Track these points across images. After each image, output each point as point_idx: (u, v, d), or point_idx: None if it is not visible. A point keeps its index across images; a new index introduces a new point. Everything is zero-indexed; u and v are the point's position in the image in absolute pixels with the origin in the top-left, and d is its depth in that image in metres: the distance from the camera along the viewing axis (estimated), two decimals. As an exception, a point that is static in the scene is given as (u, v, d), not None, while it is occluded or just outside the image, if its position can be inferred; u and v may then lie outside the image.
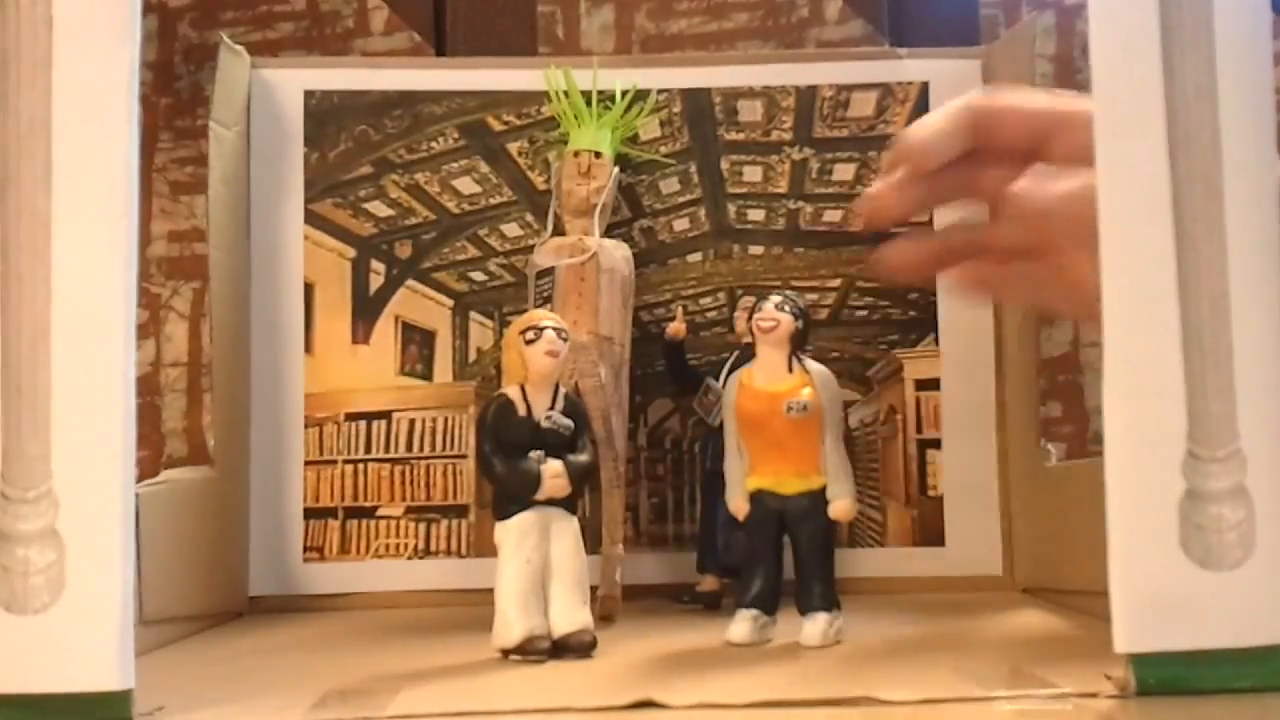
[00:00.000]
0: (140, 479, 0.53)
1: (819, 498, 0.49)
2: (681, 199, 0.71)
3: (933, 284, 0.69)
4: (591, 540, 0.52)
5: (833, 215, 0.71)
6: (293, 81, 0.71)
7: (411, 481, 0.69)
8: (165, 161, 0.82)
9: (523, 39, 0.83)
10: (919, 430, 0.69)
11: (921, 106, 0.71)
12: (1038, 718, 0.35)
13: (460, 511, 0.69)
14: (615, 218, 0.69)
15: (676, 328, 0.67)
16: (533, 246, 0.67)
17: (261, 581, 0.67)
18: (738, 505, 0.50)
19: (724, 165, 0.71)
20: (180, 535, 0.57)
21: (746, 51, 0.81)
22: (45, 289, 0.35)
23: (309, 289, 0.70)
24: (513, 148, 0.71)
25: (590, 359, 0.62)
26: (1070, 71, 0.82)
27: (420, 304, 0.71)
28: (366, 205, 0.71)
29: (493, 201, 0.71)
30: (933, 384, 0.70)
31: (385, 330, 0.70)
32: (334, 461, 0.69)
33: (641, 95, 0.69)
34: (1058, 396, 0.80)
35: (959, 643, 0.51)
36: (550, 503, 0.48)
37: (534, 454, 0.48)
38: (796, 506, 0.49)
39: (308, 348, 0.70)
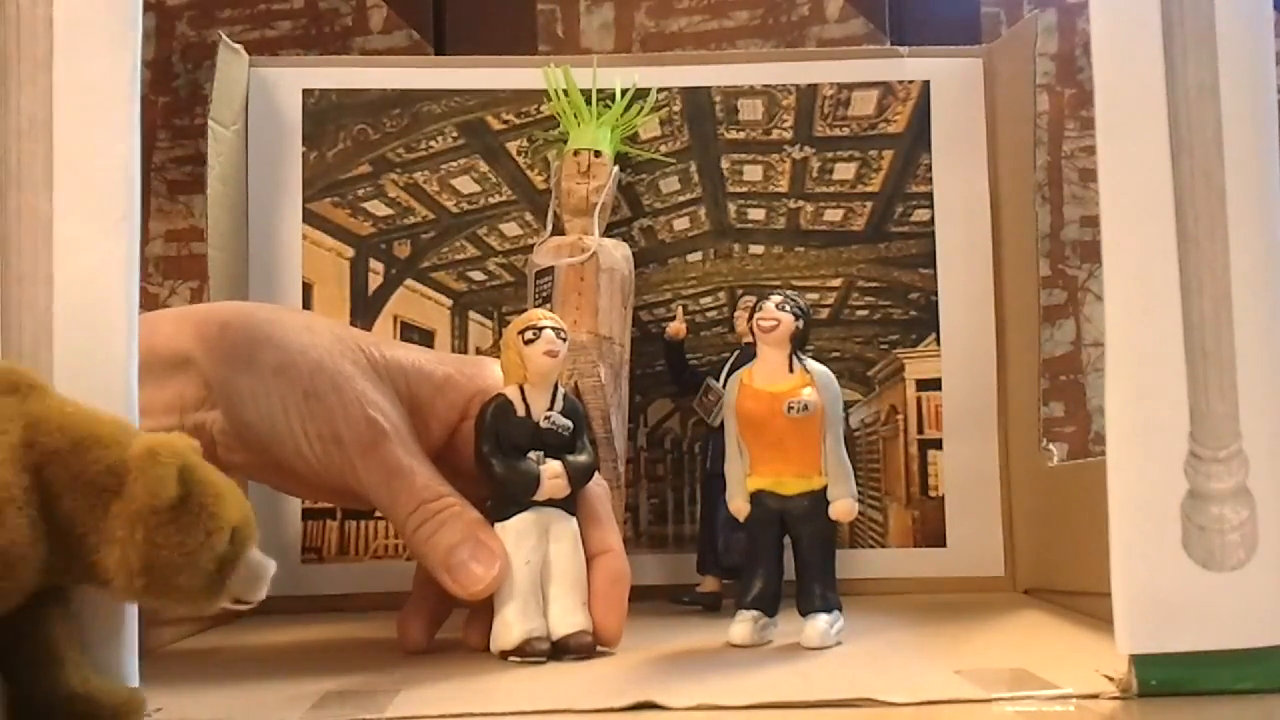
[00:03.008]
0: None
1: (820, 498, 0.49)
2: (681, 198, 0.71)
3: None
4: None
5: (833, 215, 0.71)
6: (291, 80, 0.71)
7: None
8: (163, 160, 0.82)
9: (522, 37, 0.83)
10: (920, 430, 0.69)
11: (923, 105, 0.71)
12: (1039, 719, 0.35)
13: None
14: (615, 217, 0.68)
15: (676, 328, 0.66)
16: (532, 246, 0.67)
17: (260, 582, 0.67)
18: (738, 506, 0.50)
19: (724, 164, 0.71)
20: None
21: (747, 50, 0.81)
22: (47, 290, 0.35)
23: (307, 288, 0.70)
24: (512, 147, 0.71)
25: (590, 359, 0.62)
26: (1072, 70, 0.82)
27: (419, 304, 0.71)
28: (365, 204, 0.71)
29: (492, 201, 0.71)
30: (934, 384, 0.70)
31: (384, 330, 0.70)
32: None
33: (641, 94, 0.69)
34: (1060, 396, 0.80)
35: (960, 644, 0.51)
36: (549, 504, 0.48)
37: (533, 454, 0.48)
38: (797, 507, 0.49)
39: (307, 347, 0.69)
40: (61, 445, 0.30)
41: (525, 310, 0.55)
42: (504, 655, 0.47)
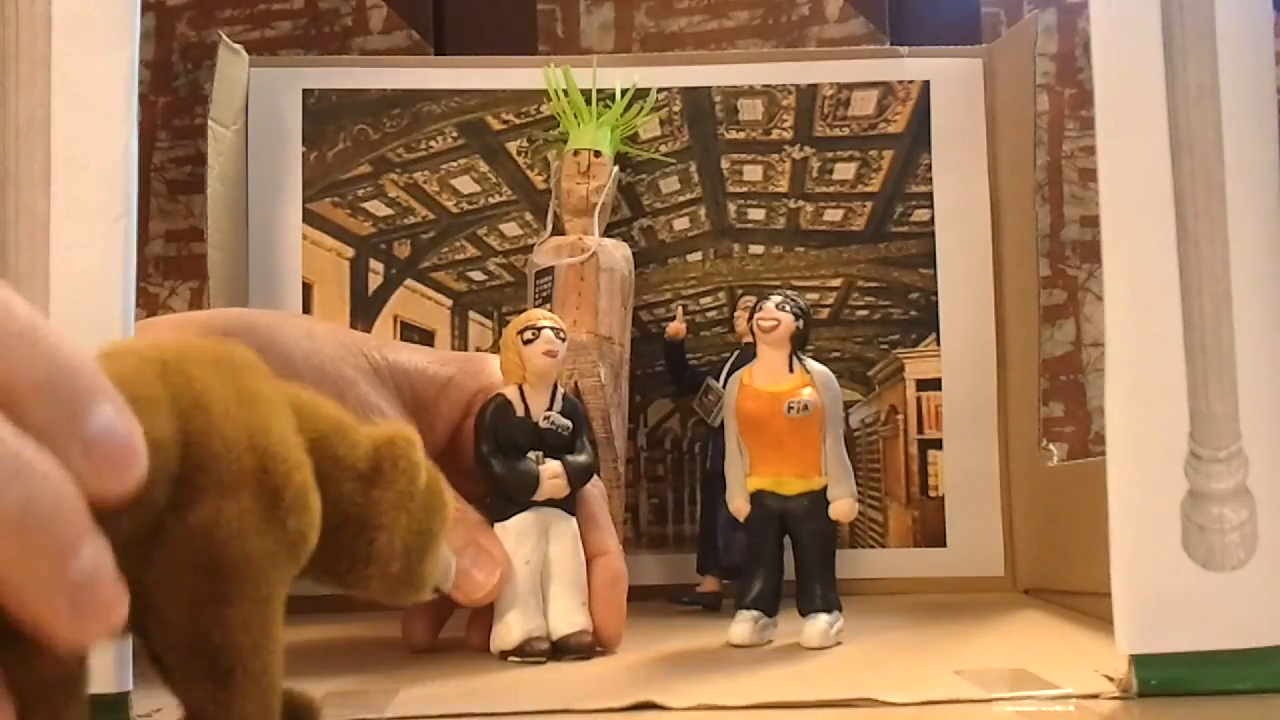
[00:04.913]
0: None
1: (820, 498, 0.49)
2: (681, 198, 0.71)
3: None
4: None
5: (833, 215, 0.71)
6: (291, 80, 0.71)
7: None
8: (163, 160, 0.82)
9: (522, 37, 0.82)
10: (920, 430, 0.69)
11: (923, 105, 0.71)
12: (1039, 719, 0.35)
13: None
14: (615, 217, 0.68)
15: (676, 328, 0.66)
16: (532, 246, 0.67)
17: (260, 582, 0.67)
18: (738, 506, 0.50)
19: (724, 164, 0.71)
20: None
21: (747, 50, 0.81)
22: (43, 289, 0.35)
23: (307, 288, 0.70)
24: (512, 147, 0.71)
25: (590, 359, 0.62)
26: (1072, 71, 0.82)
27: (419, 304, 0.71)
28: (365, 204, 0.71)
29: (492, 201, 0.71)
30: (934, 384, 0.70)
31: (384, 330, 0.70)
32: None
33: (641, 94, 0.69)
34: (1059, 396, 0.80)
35: (960, 644, 0.51)
36: (549, 504, 0.48)
37: (532, 454, 0.48)
38: (797, 507, 0.49)
39: (307, 347, 0.69)
40: (325, 430, 0.30)
41: (525, 310, 0.55)
42: (504, 655, 0.47)
